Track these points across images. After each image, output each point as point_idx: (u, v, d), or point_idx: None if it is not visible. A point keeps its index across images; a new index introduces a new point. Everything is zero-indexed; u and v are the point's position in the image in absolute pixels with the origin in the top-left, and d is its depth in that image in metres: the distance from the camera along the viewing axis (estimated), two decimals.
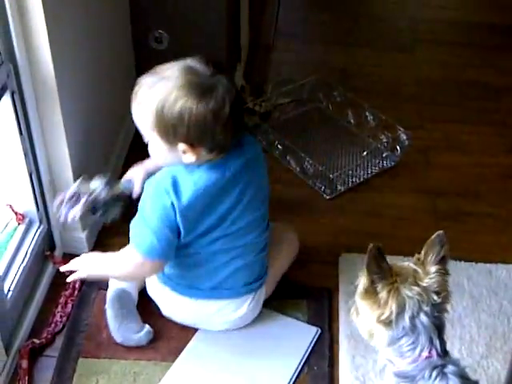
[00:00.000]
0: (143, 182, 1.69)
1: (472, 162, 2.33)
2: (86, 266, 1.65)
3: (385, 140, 2.29)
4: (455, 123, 2.50)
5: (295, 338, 1.76)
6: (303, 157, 2.18)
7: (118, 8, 2.14)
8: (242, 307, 1.71)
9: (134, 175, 1.77)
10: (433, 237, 1.33)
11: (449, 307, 1.35)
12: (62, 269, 1.68)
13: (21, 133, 1.63)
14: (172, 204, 1.50)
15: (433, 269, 1.31)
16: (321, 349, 1.73)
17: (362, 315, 1.37)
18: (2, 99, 1.55)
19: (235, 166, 1.55)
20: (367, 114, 2.36)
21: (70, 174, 1.77)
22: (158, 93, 1.44)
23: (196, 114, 1.41)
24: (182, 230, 1.54)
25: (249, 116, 2.34)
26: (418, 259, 1.34)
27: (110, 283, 1.79)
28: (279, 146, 2.26)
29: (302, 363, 1.70)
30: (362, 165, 2.23)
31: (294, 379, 1.67)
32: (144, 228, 1.53)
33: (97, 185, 1.70)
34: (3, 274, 1.64)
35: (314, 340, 1.75)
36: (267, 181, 1.70)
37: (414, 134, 2.42)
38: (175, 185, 1.50)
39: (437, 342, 1.30)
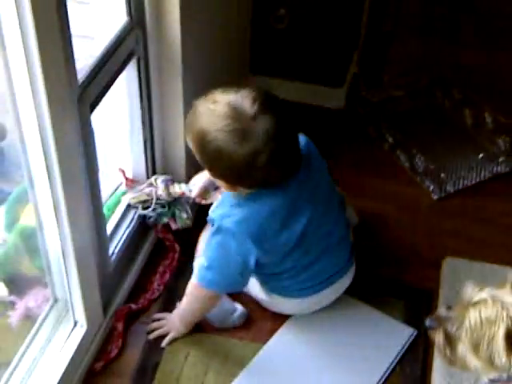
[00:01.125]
0: (202, 188, 1.71)
1: None
2: (172, 328, 1.67)
3: (502, 144, 2.19)
4: None
5: (390, 335, 1.71)
6: (414, 153, 2.11)
7: None
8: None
9: (196, 180, 1.75)
10: None
11: None
12: (151, 337, 1.68)
13: (141, 100, 1.64)
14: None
15: None
16: (415, 351, 1.69)
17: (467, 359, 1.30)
18: (129, 65, 1.56)
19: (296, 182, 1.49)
20: (485, 115, 2.26)
21: (182, 144, 1.78)
22: (203, 123, 1.39)
23: (229, 158, 1.37)
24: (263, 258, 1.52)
25: (360, 105, 2.29)
26: None
27: None
28: (390, 140, 2.20)
29: (394, 362, 1.66)
30: (476, 168, 2.14)
31: (385, 377, 1.63)
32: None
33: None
34: (110, 236, 1.67)
35: (410, 341, 1.70)
36: (326, 168, 1.62)
37: None
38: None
39: None
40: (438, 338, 1.32)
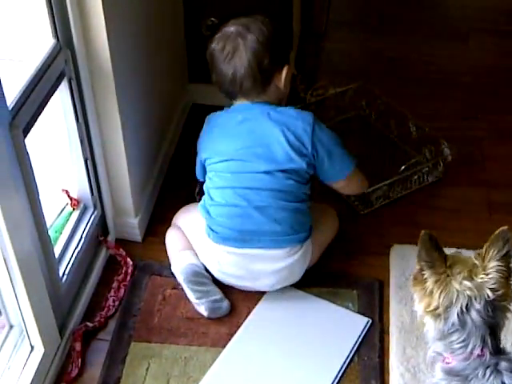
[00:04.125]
0: None
1: None
2: None
3: (427, 154, 2.16)
4: (510, 114, 2.44)
5: (346, 327, 1.75)
6: None
7: None
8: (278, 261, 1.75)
9: None
10: (496, 232, 1.27)
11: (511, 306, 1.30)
12: None
13: (77, 120, 1.65)
14: None
15: (491, 264, 1.26)
16: (371, 339, 1.73)
17: (415, 303, 1.35)
18: (60, 86, 1.57)
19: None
20: (410, 125, 2.23)
21: (124, 160, 1.79)
22: None
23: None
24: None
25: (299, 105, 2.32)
26: (479, 254, 1.29)
27: (176, 263, 1.82)
28: None
29: (352, 353, 1.69)
30: (402, 179, 2.08)
31: (344, 368, 1.66)
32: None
33: None
34: (59, 258, 1.67)
35: (365, 330, 1.74)
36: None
37: (468, 125, 2.38)
38: None
39: (489, 341, 1.26)
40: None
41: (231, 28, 1.74)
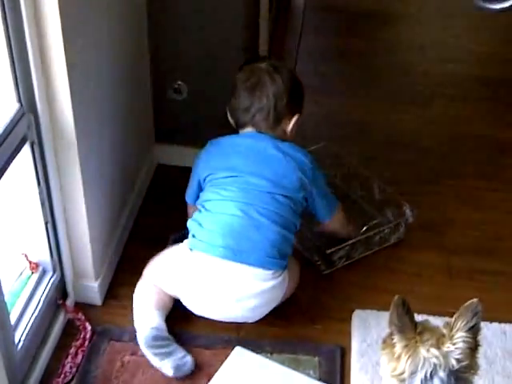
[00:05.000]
0: None
1: (486, 218, 2.32)
2: None
3: (389, 215, 2.20)
4: (470, 179, 2.49)
5: None
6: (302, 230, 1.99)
7: (139, 60, 2.18)
8: (262, 281, 1.76)
9: None
10: (466, 304, 1.29)
11: (473, 379, 1.31)
12: None
13: (39, 183, 1.64)
14: None
15: (458, 335, 1.28)
16: None
17: (381, 366, 1.35)
18: (22, 150, 1.57)
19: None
20: (374, 186, 2.28)
21: (85, 224, 1.78)
22: None
23: None
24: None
25: None
26: (448, 323, 1.31)
27: (139, 325, 1.80)
28: None
29: None
30: (364, 240, 2.09)
31: None
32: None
33: None
34: (15, 324, 1.64)
35: None
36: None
37: (430, 189, 2.42)
38: None
39: None
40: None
41: (262, 64, 1.90)
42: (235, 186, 1.80)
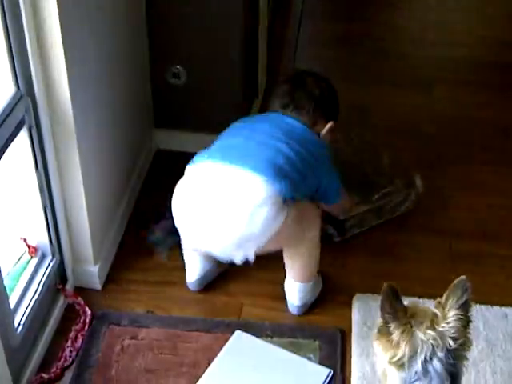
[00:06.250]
0: None
1: (489, 202, 2.31)
2: None
3: (400, 185, 2.22)
4: (473, 163, 2.48)
5: (308, 378, 1.73)
6: None
7: (138, 44, 2.17)
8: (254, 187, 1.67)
9: None
10: (455, 281, 1.30)
11: (468, 354, 1.32)
12: None
13: (37, 168, 1.64)
14: None
15: (451, 313, 1.29)
16: None
17: (377, 355, 1.35)
18: (20, 134, 1.56)
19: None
20: (384, 157, 2.29)
21: (84, 208, 1.78)
22: None
23: None
24: None
25: None
26: (439, 303, 1.31)
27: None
28: None
29: None
30: (375, 209, 2.15)
31: None
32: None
33: None
34: (14, 308, 1.64)
35: (327, 382, 1.72)
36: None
37: (432, 174, 2.41)
38: None
39: None
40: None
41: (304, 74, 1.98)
42: (245, 130, 1.83)
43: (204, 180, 1.72)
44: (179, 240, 1.89)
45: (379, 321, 1.33)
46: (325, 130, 1.91)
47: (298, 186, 1.73)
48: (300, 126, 1.84)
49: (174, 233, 1.84)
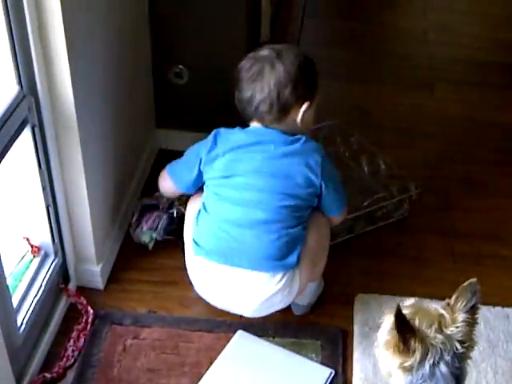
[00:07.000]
0: None
1: (491, 203, 2.31)
2: None
3: (394, 192, 2.20)
4: (475, 163, 2.48)
5: (310, 378, 1.73)
6: None
7: (140, 44, 2.17)
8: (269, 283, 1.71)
9: None
10: (465, 284, 1.30)
11: (471, 354, 1.32)
12: None
13: (40, 166, 1.64)
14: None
15: (461, 317, 1.29)
16: None
17: (383, 359, 1.34)
18: (23, 133, 1.56)
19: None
20: (380, 163, 2.28)
21: (86, 207, 1.78)
22: None
23: None
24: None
25: None
26: (448, 304, 1.32)
27: None
28: None
29: None
30: (366, 214, 2.12)
31: None
32: None
33: None
34: (17, 307, 1.64)
35: (329, 381, 1.72)
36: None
37: (433, 174, 2.41)
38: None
39: None
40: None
41: (264, 51, 1.75)
42: (233, 188, 1.72)
43: (211, 281, 1.76)
44: (163, 233, 2.02)
45: (385, 324, 1.33)
46: (300, 115, 1.73)
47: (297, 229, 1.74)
48: (285, 158, 1.72)
49: (157, 227, 2.00)
